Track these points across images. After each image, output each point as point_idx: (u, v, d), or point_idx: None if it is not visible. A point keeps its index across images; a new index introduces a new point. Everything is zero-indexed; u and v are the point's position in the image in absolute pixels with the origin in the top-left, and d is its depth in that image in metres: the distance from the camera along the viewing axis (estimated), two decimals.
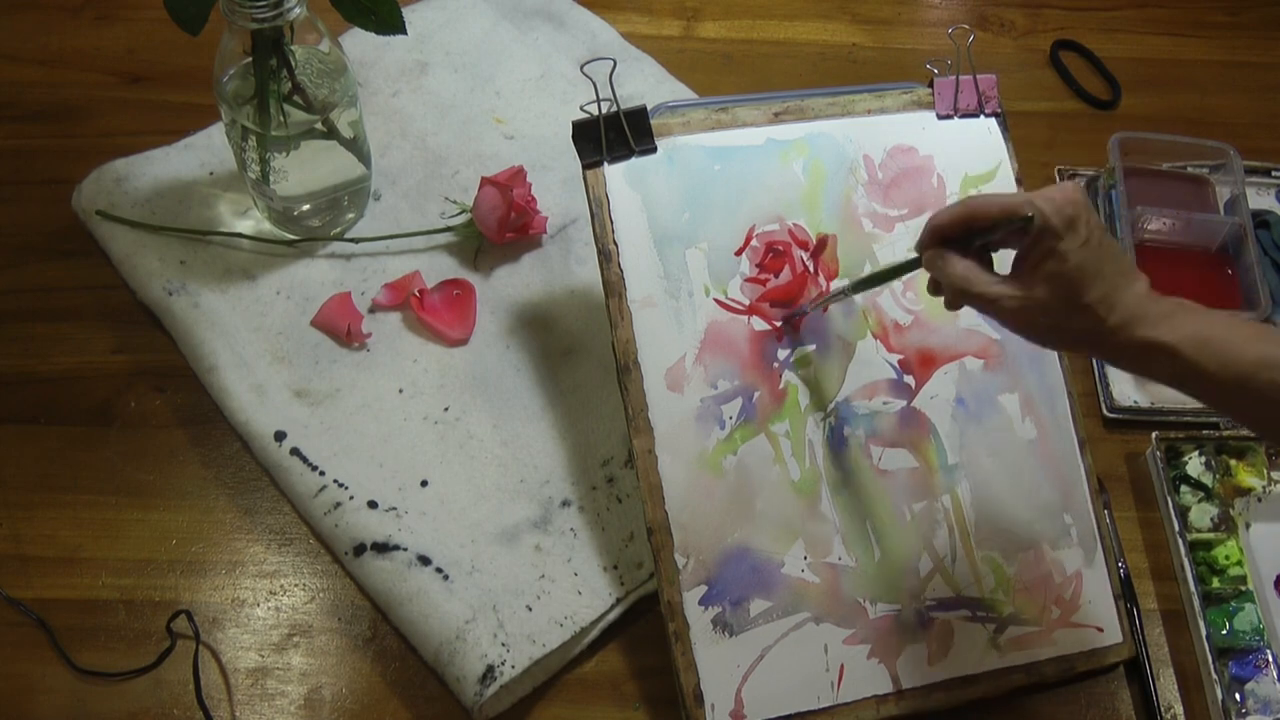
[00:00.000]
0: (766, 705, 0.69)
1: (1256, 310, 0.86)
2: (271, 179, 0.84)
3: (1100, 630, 0.75)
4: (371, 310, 0.86)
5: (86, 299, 0.87)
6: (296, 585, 0.76)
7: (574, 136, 0.74)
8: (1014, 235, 0.60)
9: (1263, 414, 0.58)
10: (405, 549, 0.74)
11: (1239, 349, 0.57)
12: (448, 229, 0.90)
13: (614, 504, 0.78)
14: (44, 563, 0.75)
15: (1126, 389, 0.88)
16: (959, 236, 0.61)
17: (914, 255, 0.64)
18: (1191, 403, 0.86)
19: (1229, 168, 0.96)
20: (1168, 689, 0.75)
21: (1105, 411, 0.87)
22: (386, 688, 0.72)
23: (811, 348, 0.75)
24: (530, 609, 0.73)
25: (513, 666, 0.70)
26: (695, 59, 1.08)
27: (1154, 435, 0.83)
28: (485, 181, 0.88)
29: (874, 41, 1.12)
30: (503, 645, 0.70)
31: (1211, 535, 0.79)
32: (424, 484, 0.78)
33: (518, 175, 0.89)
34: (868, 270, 0.76)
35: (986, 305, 0.60)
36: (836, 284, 0.76)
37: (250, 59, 0.79)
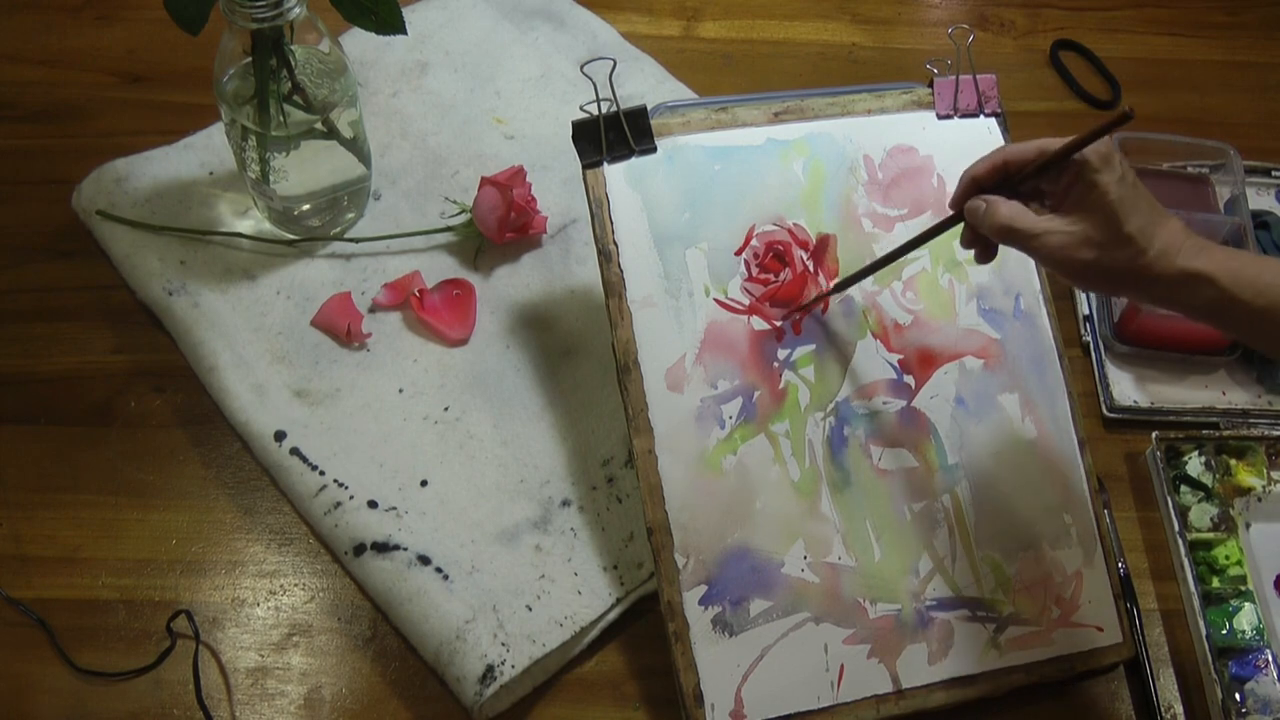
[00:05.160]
0: (766, 705, 0.69)
1: None
2: (271, 179, 0.84)
3: (1100, 630, 0.75)
4: (371, 310, 0.87)
5: (86, 299, 0.87)
6: (296, 585, 0.76)
7: (574, 136, 0.74)
8: (1048, 178, 0.61)
9: None
10: (405, 549, 0.74)
11: (1272, 278, 0.59)
12: (448, 229, 0.90)
13: (614, 504, 0.78)
14: (44, 563, 0.75)
15: (1126, 389, 0.88)
16: (995, 185, 0.63)
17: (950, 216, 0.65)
18: (1192, 403, 0.87)
19: (1229, 168, 0.96)
20: (1168, 689, 0.75)
21: (1105, 411, 0.87)
22: (386, 688, 0.72)
23: (811, 347, 0.75)
24: (530, 609, 0.73)
25: (513, 666, 0.70)
26: (695, 59, 1.08)
27: (1154, 435, 0.83)
28: (485, 181, 0.88)
29: (874, 41, 1.12)
30: (503, 645, 0.70)
31: (1211, 535, 0.79)
32: (424, 484, 0.79)
33: (518, 175, 0.89)
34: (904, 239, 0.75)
35: (1032, 241, 0.61)
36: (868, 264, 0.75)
37: (250, 59, 0.79)
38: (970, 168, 0.64)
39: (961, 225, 0.65)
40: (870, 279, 0.76)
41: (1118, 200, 0.59)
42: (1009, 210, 0.62)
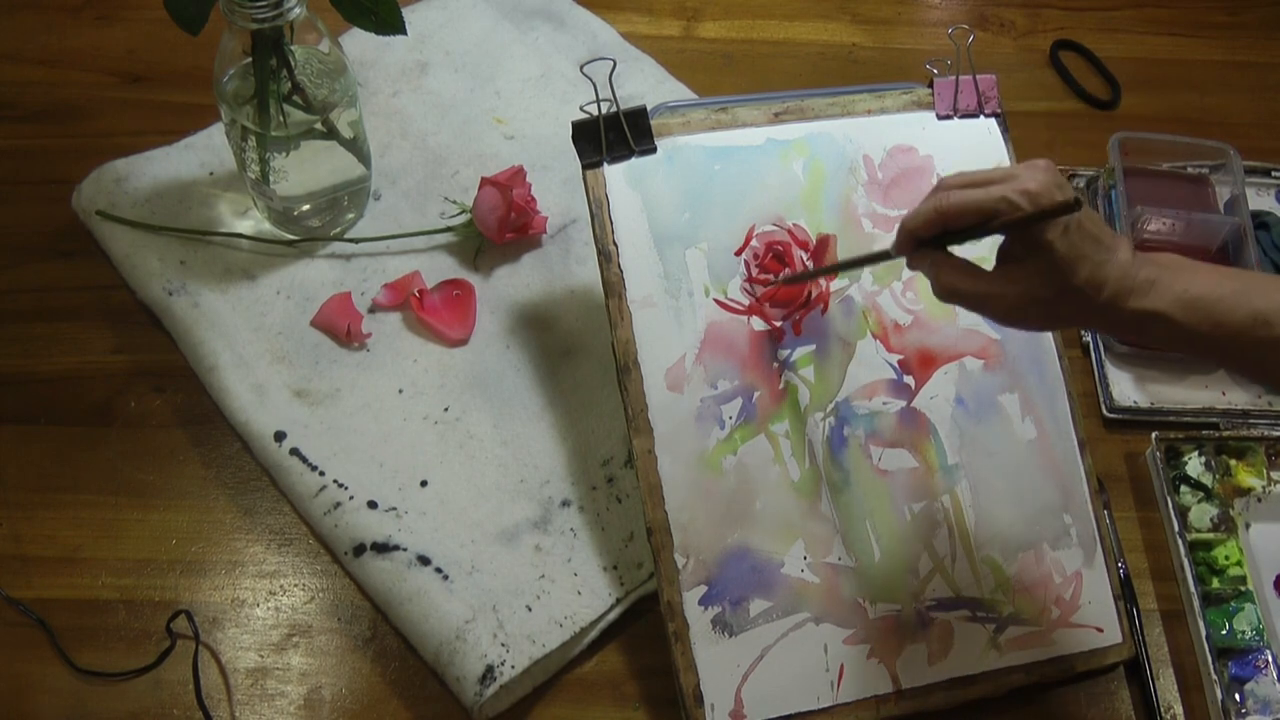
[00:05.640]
0: (766, 705, 0.69)
1: None
2: (271, 179, 0.84)
3: (1100, 630, 0.75)
4: (371, 310, 0.87)
5: (86, 299, 0.87)
6: (296, 585, 0.76)
7: (574, 137, 0.74)
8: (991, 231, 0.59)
9: (1262, 367, 0.58)
10: (405, 549, 0.74)
11: (1229, 307, 0.57)
12: (448, 229, 0.90)
13: (614, 504, 0.78)
14: (44, 563, 0.75)
15: (1126, 389, 0.88)
16: (935, 238, 0.60)
17: (887, 249, 0.64)
18: (1192, 403, 0.87)
19: (1229, 168, 0.95)
20: (1167, 689, 0.75)
21: (1105, 411, 0.87)
22: (386, 688, 0.72)
23: (811, 348, 0.75)
24: (530, 609, 0.73)
25: (512, 666, 0.70)
26: (695, 59, 1.08)
27: (1154, 435, 0.83)
28: (485, 181, 0.88)
29: (874, 41, 1.12)
30: (502, 645, 0.70)
31: (1211, 535, 0.79)
32: (424, 484, 0.79)
33: (518, 175, 0.89)
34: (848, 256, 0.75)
35: (978, 305, 0.60)
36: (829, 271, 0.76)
37: (250, 59, 0.79)
38: (907, 219, 0.60)
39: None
40: (870, 279, 0.76)
41: (1063, 257, 0.57)
42: (952, 276, 0.60)
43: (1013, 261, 0.59)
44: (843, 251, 0.76)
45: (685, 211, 0.75)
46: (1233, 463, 0.82)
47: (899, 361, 0.76)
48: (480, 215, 0.88)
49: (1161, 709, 0.74)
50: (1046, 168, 0.58)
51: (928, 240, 0.61)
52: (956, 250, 0.61)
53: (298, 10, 0.76)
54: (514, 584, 0.74)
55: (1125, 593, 0.77)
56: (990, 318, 0.61)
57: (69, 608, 0.74)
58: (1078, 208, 0.55)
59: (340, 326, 0.84)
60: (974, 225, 0.58)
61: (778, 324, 0.75)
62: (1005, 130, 0.81)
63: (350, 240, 0.90)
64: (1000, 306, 0.59)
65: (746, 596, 0.70)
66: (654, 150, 0.75)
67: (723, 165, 0.76)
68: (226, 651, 0.73)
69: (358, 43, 0.97)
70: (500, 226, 0.87)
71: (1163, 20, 1.16)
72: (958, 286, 0.60)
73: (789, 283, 0.74)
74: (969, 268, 0.60)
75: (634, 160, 0.75)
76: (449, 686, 0.71)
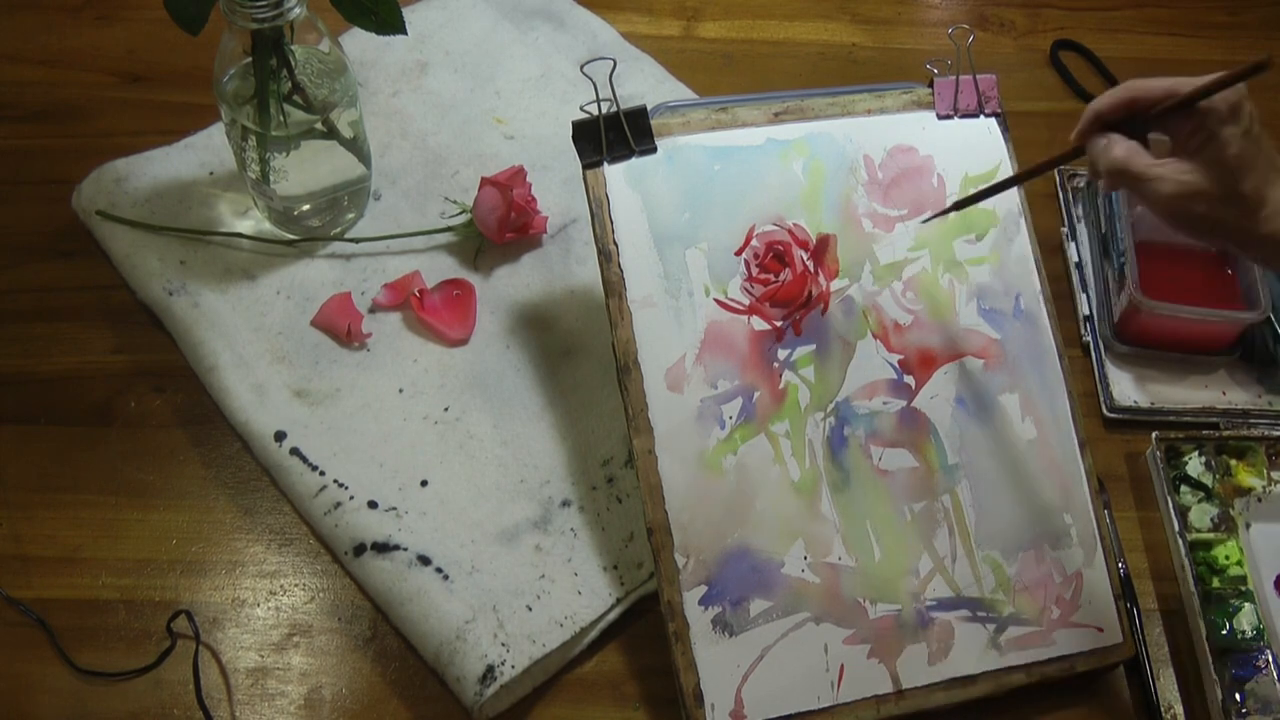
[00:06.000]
0: (766, 705, 0.69)
1: (1255, 310, 0.86)
2: (271, 179, 0.84)
3: (1100, 630, 0.75)
4: (371, 310, 0.87)
5: (86, 299, 0.87)
6: (296, 585, 0.76)
7: (574, 136, 0.74)
8: (1174, 119, 0.60)
9: None
10: (405, 549, 0.74)
11: None
12: (448, 229, 0.90)
13: (614, 504, 0.78)
14: (44, 563, 0.75)
15: (1127, 389, 0.88)
16: (1119, 121, 0.62)
17: (1071, 147, 0.65)
18: (1192, 403, 0.87)
19: None
20: (1168, 689, 0.75)
21: (1105, 411, 0.87)
22: (386, 688, 0.72)
23: (811, 347, 0.75)
24: (530, 609, 0.73)
25: (513, 666, 0.70)
26: (695, 59, 1.08)
27: (1154, 435, 0.83)
28: (485, 181, 0.88)
29: (874, 41, 1.12)
30: (503, 645, 0.70)
31: (1211, 535, 0.79)
32: (424, 484, 0.79)
33: (518, 175, 0.89)
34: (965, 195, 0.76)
35: (1143, 185, 0.60)
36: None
37: (250, 59, 0.79)
38: (1096, 101, 0.63)
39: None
40: (870, 279, 0.76)
41: (1236, 156, 0.58)
42: (1124, 150, 0.61)
43: (1187, 154, 0.60)
44: (843, 251, 0.76)
45: (685, 211, 0.75)
46: (1233, 463, 0.82)
47: (899, 361, 0.76)
48: (480, 215, 0.88)
49: (1161, 709, 0.74)
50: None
51: (1110, 125, 0.62)
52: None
53: (298, 10, 0.76)
54: (514, 584, 0.74)
55: (1125, 592, 0.77)
56: (1152, 205, 0.61)
57: (69, 608, 0.74)
58: (1267, 67, 0.56)
59: (340, 326, 0.84)
60: (1161, 100, 0.60)
61: (778, 324, 0.75)
62: (1005, 130, 0.81)
63: (350, 240, 0.90)
64: (1167, 191, 0.60)
65: (746, 596, 0.70)
66: (654, 150, 0.75)
67: (723, 165, 0.76)
68: (227, 651, 0.73)
69: (358, 43, 0.97)
70: (500, 226, 0.87)
71: (1163, 20, 1.16)
72: (1130, 163, 0.60)
73: (958, 208, 0.75)
74: (1142, 149, 0.61)
75: (634, 160, 0.75)
76: (449, 686, 0.71)
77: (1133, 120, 0.62)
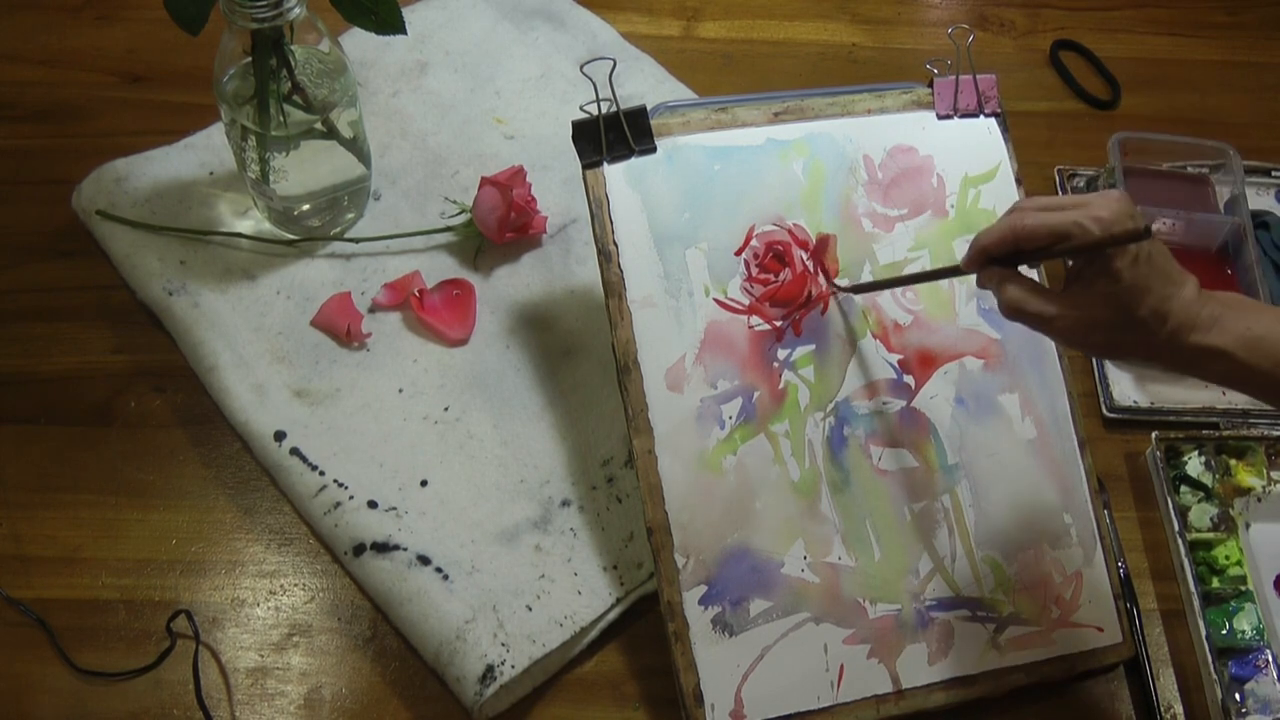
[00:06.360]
0: (766, 705, 0.69)
1: None
2: (271, 179, 0.84)
3: (1100, 630, 0.75)
4: (371, 310, 0.87)
5: (86, 299, 0.87)
6: (296, 585, 0.76)
7: (574, 136, 0.74)
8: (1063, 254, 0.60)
9: None
10: (405, 549, 0.74)
11: None
12: (448, 229, 0.90)
13: (614, 504, 0.78)
14: (44, 563, 0.75)
15: (1126, 389, 0.88)
16: (1004, 256, 0.61)
17: (957, 265, 0.65)
18: (1192, 402, 0.87)
19: (1229, 168, 0.96)
20: (1168, 689, 0.75)
21: (1105, 411, 0.87)
22: (386, 688, 0.72)
23: (811, 347, 0.75)
24: (530, 609, 0.73)
25: (513, 666, 0.70)
26: (695, 59, 1.08)
27: (1154, 435, 0.83)
28: (485, 181, 0.88)
29: (874, 41, 1.12)
30: (502, 645, 0.70)
31: (1211, 535, 0.79)
32: (424, 484, 0.79)
33: (518, 175, 0.89)
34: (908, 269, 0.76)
35: (1041, 325, 0.61)
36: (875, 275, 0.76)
37: (250, 59, 0.79)
38: (981, 236, 0.62)
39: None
40: (870, 279, 0.76)
41: (1129, 287, 0.58)
42: (1018, 292, 0.60)
43: (1081, 287, 0.60)
44: (843, 251, 0.76)
45: (685, 211, 0.75)
46: (1233, 462, 0.82)
47: (899, 361, 0.76)
48: (480, 215, 0.88)
49: (1161, 709, 0.74)
50: (1120, 198, 0.59)
51: (998, 258, 0.61)
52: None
53: (298, 10, 0.76)
54: (514, 584, 0.74)
55: (1125, 592, 0.77)
56: (1053, 337, 0.62)
57: (69, 608, 0.74)
58: (1147, 235, 0.56)
59: (340, 326, 0.84)
60: (1045, 246, 0.59)
61: (778, 324, 0.75)
62: (1005, 130, 0.81)
63: (350, 240, 0.90)
64: (1063, 327, 0.60)
65: (746, 596, 0.70)
66: (654, 150, 0.75)
67: (723, 165, 0.76)
68: (226, 651, 0.73)
69: (358, 43, 0.97)
70: (500, 226, 0.87)
71: (1163, 20, 1.16)
72: (1024, 304, 0.60)
73: (855, 291, 0.75)
74: (1036, 287, 0.61)
75: (634, 160, 0.74)
76: (449, 686, 0.71)
77: (1017, 256, 0.61)
